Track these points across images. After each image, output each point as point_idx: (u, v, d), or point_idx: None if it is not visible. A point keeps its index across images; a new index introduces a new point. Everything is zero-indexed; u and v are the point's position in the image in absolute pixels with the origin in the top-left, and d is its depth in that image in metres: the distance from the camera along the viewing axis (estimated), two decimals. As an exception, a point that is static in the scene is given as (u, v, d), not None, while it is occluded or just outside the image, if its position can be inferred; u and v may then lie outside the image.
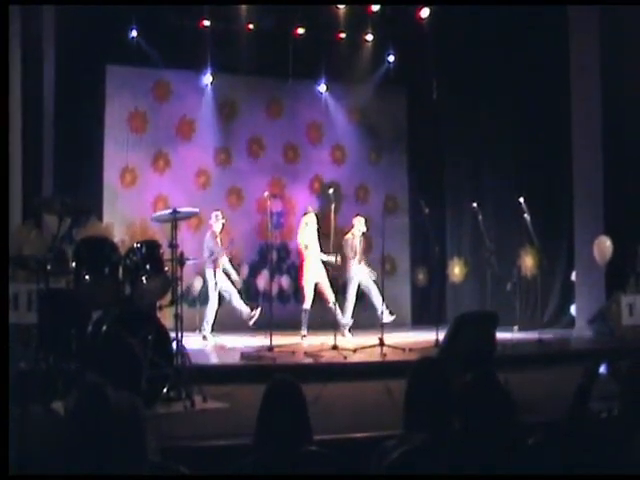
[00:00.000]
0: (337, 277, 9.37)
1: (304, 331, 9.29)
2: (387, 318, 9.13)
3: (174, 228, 5.88)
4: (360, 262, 9.69)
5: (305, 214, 9.73)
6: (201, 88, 11.18)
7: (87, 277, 5.47)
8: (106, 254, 5.61)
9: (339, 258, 8.96)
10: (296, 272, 11.33)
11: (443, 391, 2.62)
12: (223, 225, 9.43)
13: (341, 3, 10.46)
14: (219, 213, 9.48)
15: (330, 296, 9.41)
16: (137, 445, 1.91)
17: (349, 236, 9.72)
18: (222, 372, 6.72)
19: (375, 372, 6.89)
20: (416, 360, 2.84)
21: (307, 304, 9.43)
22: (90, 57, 9.93)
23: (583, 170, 10.13)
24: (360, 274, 9.67)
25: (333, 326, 8.01)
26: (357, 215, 9.97)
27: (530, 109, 10.35)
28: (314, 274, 9.44)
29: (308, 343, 8.82)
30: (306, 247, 9.42)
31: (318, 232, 9.48)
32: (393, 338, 8.48)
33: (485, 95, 10.85)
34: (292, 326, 9.89)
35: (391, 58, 11.76)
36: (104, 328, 5.35)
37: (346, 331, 9.47)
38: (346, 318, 9.54)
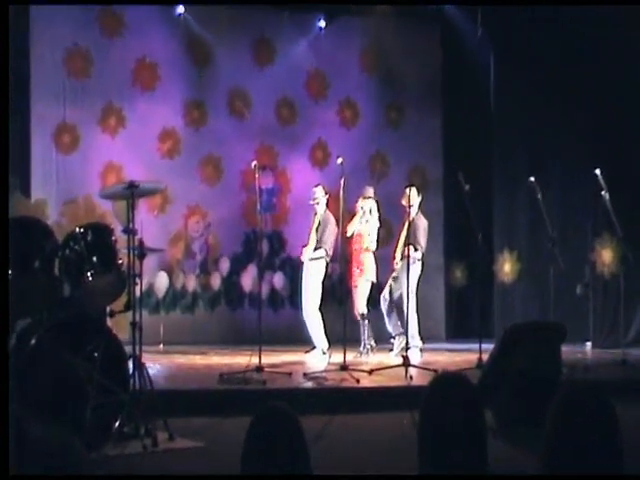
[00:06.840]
0: None
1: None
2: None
3: (131, 208, 5.88)
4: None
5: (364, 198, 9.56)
6: (167, 21, 11.18)
7: (10, 272, 5.40)
8: (36, 241, 5.58)
9: None
10: (292, 268, 11.32)
11: (470, 421, 2.50)
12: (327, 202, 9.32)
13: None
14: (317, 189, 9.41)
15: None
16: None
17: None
18: (195, 400, 6.74)
19: (397, 401, 6.86)
20: (433, 379, 2.70)
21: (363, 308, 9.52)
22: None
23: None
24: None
25: (342, 340, 8.04)
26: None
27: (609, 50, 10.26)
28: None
29: (310, 361, 8.90)
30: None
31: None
32: (422, 356, 8.53)
33: (549, 29, 10.73)
34: (287, 339, 9.88)
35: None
36: (33, 341, 5.32)
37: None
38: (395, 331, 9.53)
